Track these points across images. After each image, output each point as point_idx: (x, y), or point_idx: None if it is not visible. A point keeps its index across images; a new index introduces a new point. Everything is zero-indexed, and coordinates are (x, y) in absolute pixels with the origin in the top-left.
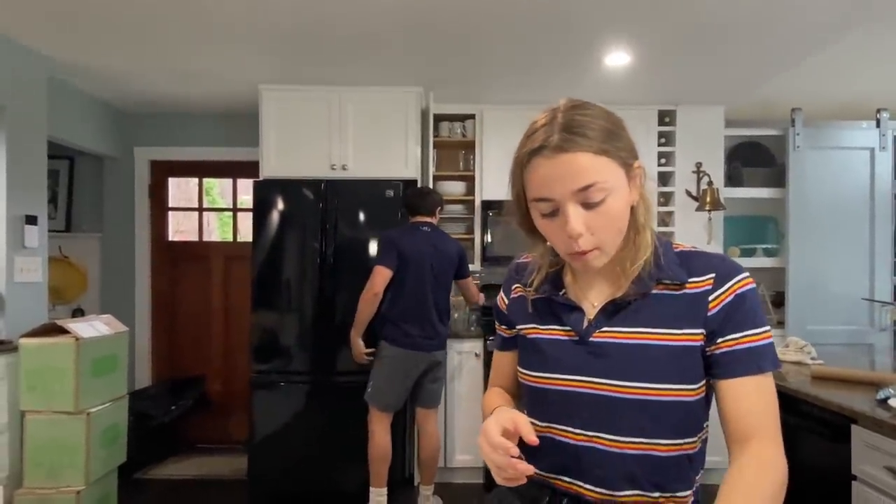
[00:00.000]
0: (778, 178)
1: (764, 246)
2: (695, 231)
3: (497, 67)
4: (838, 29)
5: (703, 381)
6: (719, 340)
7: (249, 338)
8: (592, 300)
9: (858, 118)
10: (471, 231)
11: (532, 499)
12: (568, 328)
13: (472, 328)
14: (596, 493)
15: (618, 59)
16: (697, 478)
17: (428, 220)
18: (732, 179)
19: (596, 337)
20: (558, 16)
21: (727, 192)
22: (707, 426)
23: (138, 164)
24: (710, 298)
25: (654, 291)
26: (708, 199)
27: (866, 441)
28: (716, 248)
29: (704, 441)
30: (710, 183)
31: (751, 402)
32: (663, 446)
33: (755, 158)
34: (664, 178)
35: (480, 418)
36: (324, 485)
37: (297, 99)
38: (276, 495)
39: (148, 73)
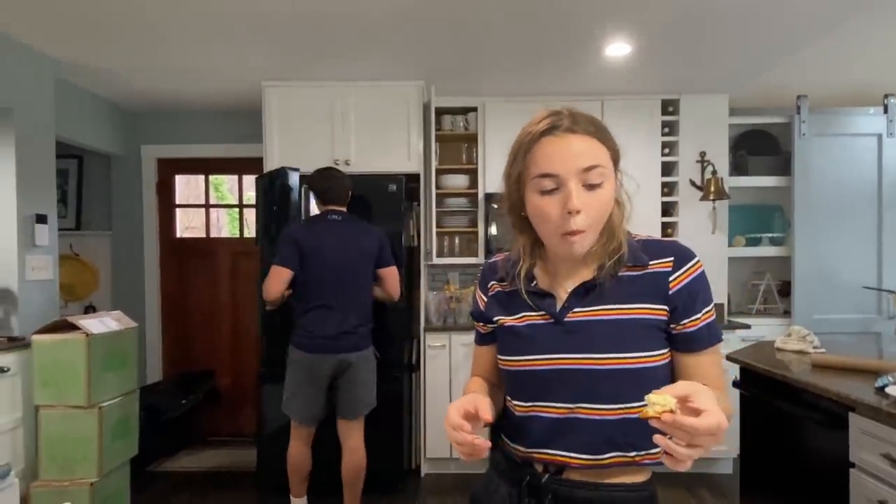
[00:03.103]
0: (784, 166)
1: (770, 235)
2: (699, 221)
3: (498, 60)
4: (842, 14)
5: (668, 348)
6: (685, 321)
7: (257, 332)
8: (564, 287)
9: (865, 104)
10: (474, 224)
11: (517, 479)
12: (542, 312)
13: None
14: (582, 459)
15: (619, 49)
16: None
17: (339, 208)
18: (737, 168)
19: (570, 317)
20: (558, 6)
21: (732, 181)
22: None
23: (145, 162)
24: (671, 279)
25: (620, 274)
26: (712, 189)
27: (864, 429)
28: (721, 237)
29: None
30: (714, 172)
31: (709, 371)
32: (637, 408)
33: (760, 146)
34: (668, 168)
35: None
36: (331, 477)
37: (299, 95)
38: (284, 487)
39: (152, 72)
